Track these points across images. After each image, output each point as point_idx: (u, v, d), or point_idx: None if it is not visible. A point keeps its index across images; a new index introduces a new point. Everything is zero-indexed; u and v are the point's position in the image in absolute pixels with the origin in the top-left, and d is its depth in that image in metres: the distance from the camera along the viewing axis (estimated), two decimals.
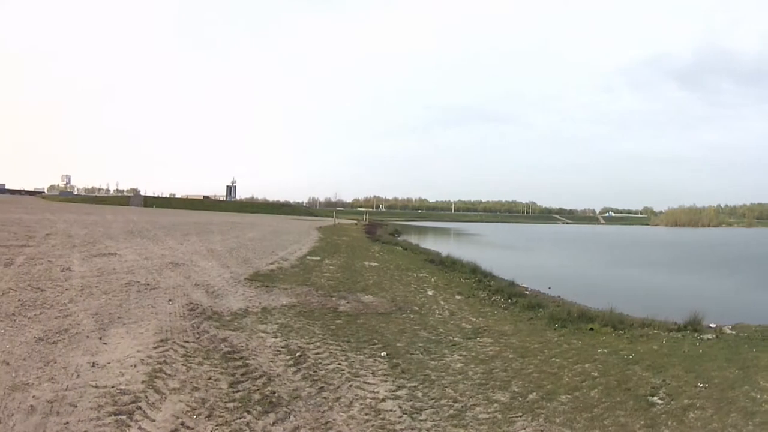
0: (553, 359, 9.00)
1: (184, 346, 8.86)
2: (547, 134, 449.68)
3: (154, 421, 5.91)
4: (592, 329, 11.38)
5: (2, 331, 8.89)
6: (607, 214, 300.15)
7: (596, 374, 8.06)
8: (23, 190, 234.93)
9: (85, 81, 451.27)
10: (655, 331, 11.37)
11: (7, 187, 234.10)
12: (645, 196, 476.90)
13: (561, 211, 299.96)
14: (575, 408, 6.67)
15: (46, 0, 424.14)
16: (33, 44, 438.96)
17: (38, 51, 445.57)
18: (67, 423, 5.68)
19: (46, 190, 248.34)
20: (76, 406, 6.11)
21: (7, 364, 7.34)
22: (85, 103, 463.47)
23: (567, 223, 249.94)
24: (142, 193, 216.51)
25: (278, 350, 8.98)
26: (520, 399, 7.00)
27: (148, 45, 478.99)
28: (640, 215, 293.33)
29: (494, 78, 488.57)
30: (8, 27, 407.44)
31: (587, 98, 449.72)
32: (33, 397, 6.28)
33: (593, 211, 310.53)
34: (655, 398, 7.01)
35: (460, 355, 9.24)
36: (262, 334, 9.99)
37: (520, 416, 6.40)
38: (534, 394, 7.20)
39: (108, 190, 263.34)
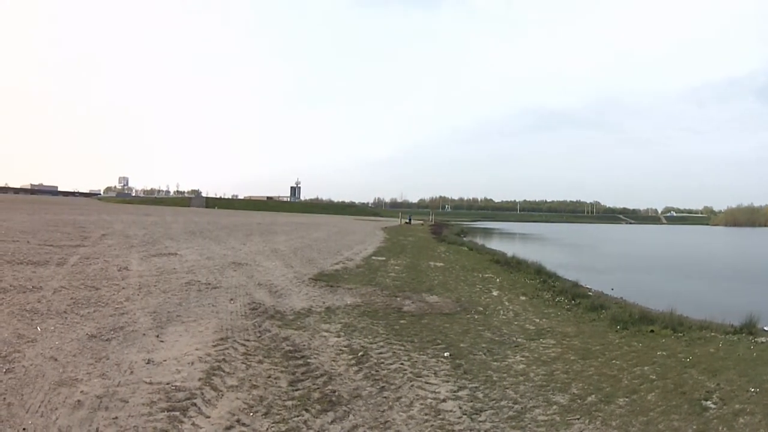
0: (614, 361, 9.22)
1: (244, 345, 9.16)
2: (628, 138, 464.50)
3: (208, 417, 6.09)
4: (652, 331, 11.69)
5: (52, 328, 9.33)
6: (668, 214, 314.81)
7: (654, 377, 8.25)
8: (77, 192, 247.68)
9: (144, 83, 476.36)
10: (712, 334, 11.63)
11: (59, 189, 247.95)
12: (705, 194, 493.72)
13: (624, 211, 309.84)
14: (632, 411, 6.83)
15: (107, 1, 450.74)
16: (93, 47, 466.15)
17: (98, 53, 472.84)
18: (116, 418, 5.89)
19: (102, 192, 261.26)
20: (127, 402, 6.35)
21: (55, 360, 7.69)
22: (144, 104, 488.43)
23: (630, 223, 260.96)
24: (203, 195, 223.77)
25: (341, 349, 9.23)
26: (579, 401, 7.20)
27: (209, 46, 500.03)
28: (700, 215, 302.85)
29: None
30: (68, 32, 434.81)
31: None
32: (81, 392, 6.55)
33: (655, 211, 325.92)
34: (709, 402, 7.18)
35: (523, 357, 9.43)
36: (325, 334, 10.30)
37: (578, 419, 6.56)
38: (593, 396, 7.40)
39: (168, 192, 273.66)
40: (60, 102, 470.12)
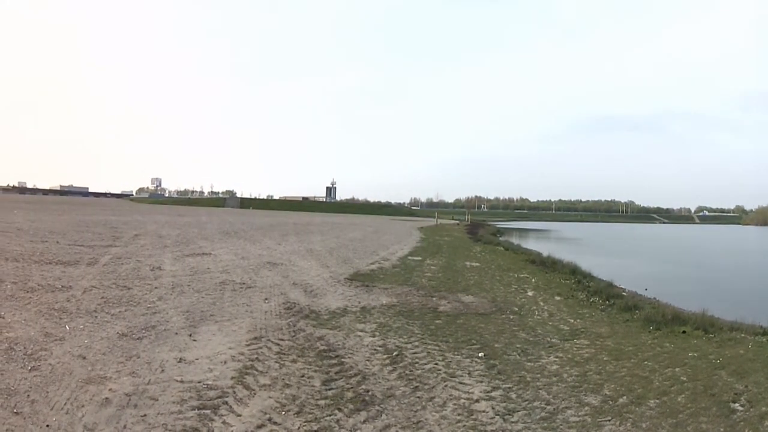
0: (646, 362, 9.28)
1: (278, 344, 9.23)
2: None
3: (239, 416, 6.11)
4: (684, 332, 11.83)
5: (81, 326, 9.47)
6: (701, 213, 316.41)
7: (685, 379, 8.32)
8: (108, 193, 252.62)
9: (178, 85, 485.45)
10: (743, 335, 11.67)
11: (90, 190, 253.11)
12: (737, 193, 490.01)
13: (658, 211, 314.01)
14: (662, 413, 6.88)
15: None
16: (126, 49, 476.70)
17: (129, 55, 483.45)
18: (145, 416, 5.92)
19: (134, 193, 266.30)
20: (156, 400, 6.39)
21: (84, 358, 7.80)
22: (177, 105, 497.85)
23: (664, 222, 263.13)
24: (238, 195, 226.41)
25: (375, 349, 9.38)
26: (610, 403, 7.26)
27: (243, 50, 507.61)
28: (732, 214, 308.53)
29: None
30: (102, 34, 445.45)
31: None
32: (109, 390, 6.62)
33: (688, 210, 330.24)
34: (737, 405, 7.22)
35: (557, 357, 9.52)
36: (360, 333, 10.46)
37: (609, 420, 6.63)
38: (624, 397, 7.47)
39: (202, 192, 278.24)
40: (91, 103, 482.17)
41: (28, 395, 6.27)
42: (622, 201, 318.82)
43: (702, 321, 12.61)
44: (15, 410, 5.85)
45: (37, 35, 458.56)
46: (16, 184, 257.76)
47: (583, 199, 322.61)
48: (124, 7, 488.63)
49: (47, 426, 5.53)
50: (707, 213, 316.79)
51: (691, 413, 6.84)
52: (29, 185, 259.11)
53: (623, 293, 18.54)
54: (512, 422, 6.43)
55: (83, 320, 9.93)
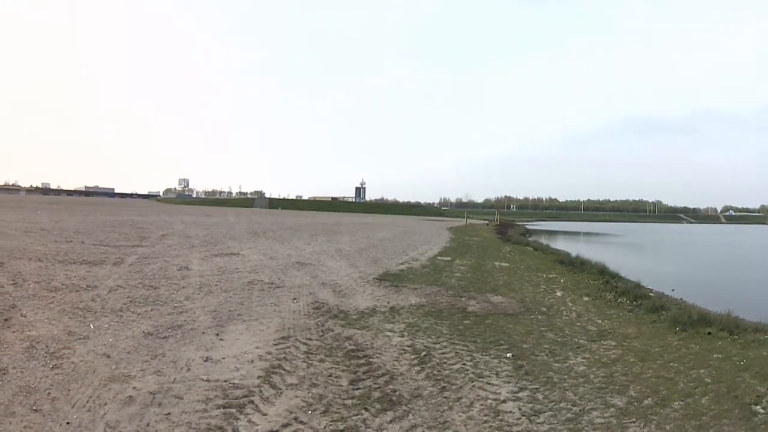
0: (671, 364, 9.35)
1: (306, 344, 9.27)
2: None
3: (265, 415, 6.14)
4: (709, 333, 11.88)
5: (106, 325, 9.56)
6: (727, 213, 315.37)
7: (709, 380, 8.36)
8: (135, 194, 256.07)
9: (206, 86, 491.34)
10: (766, 337, 11.65)
11: (116, 191, 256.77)
12: (763, 191, 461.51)
13: (685, 210, 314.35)
14: (686, 415, 6.93)
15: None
16: (155, 48, 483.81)
17: (157, 56, 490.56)
18: (169, 414, 5.96)
19: (161, 194, 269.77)
20: (181, 399, 6.43)
21: (108, 356, 7.87)
22: (205, 106, 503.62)
23: (691, 222, 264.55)
24: (266, 195, 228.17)
25: (404, 349, 9.45)
26: (635, 404, 7.32)
27: (275, 49, 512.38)
28: (757, 214, 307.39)
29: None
30: (129, 34, 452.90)
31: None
32: (133, 388, 6.67)
33: (714, 210, 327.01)
34: (758, 407, 7.25)
35: (584, 358, 9.59)
36: (389, 333, 10.54)
37: (634, 422, 6.69)
38: (649, 399, 7.51)
39: (230, 193, 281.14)
40: (117, 103, 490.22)
41: (49, 393, 6.32)
42: (650, 201, 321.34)
43: (727, 322, 12.68)
44: (34, 408, 5.89)
45: (63, 36, 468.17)
46: (39, 185, 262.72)
47: (611, 199, 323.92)
48: (158, 5, 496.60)
49: (67, 423, 5.56)
50: (733, 213, 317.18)
51: (714, 415, 6.90)
52: (53, 186, 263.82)
53: (650, 294, 18.67)
54: (538, 423, 6.50)
55: (108, 319, 10.02)
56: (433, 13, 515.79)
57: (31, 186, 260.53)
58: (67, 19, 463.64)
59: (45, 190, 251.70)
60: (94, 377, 6.96)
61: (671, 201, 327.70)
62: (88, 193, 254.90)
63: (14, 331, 8.76)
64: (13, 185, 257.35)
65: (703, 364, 9.21)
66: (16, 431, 5.38)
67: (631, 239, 76.85)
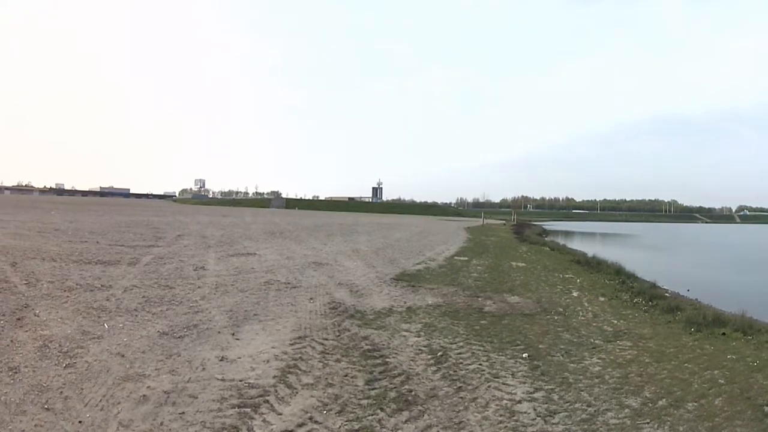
0: (686, 365, 9.40)
1: (322, 344, 9.30)
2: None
3: (280, 414, 6.15)
4: (723, 334, 11.96)
5: (120, 325, 9.61)
6: (742, 213, 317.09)
7: (723, 381, 8.42)
8: (150, 194, 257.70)
9: (221, 87, 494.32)
10: None
11: (131, 192, 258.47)
12: None
13: (700, 210, 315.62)
14: (699, 416, 6.98)
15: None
16: (171, 49, 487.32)
17: (172, 57, 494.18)
18: (183, 413, 5.97)
19: (177, 194, 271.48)
20: (196, 398, 6.45)
21: (122, 356, 7.90)
22: (220, 107, 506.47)
23: (706, 222, 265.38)
24: (283, 196, 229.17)
25: (420, 349, 9.47)
26: (650, 405, 7.36)
27: (290, 50, 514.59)
28: None
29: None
30: (146, 36, 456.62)
31: None
32: (147, 387, 6.70)
33: (729, 210, 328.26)
34: None
35: (599, 358, 9.62)
36: (405, 333, 10.57)
37: (648, 423, 6.73)
38: (664, 400, 7.56)
39: (246, 193, 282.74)
40: (132, 104, 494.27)
41: (61, 392, 6.34)
42: (666, 200, 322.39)
43: (741, 323, 12.77)
44: (46, 406, 5.91)
45: (79, 36, 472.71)
46: (53, 186, 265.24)
47: (627, 198, 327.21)
48: (179, 6, 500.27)
49: (80, 422, 5.57)
50: (747, 212, 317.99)
51: (726, 417, 6.95)
52: (67, 187, 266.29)
53: (666, 294, 18.88)
54: (553, 424, 6.53)
55: (123, 319, 10.07)
56: (453, 13, 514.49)
57: (44, 186, 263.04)
58: (84, 20, 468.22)
59: (59, 191, 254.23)
60: (107, 376, 6.98)
61: (686, 200, 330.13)
62: (103, 193, 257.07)
63: (27, 331, 8.80)
64: (26, 186, 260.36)
65: (717, 365, 9.30)
66: (27, 429, 5.39)
67: (649, 241, 76.05)
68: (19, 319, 9.48)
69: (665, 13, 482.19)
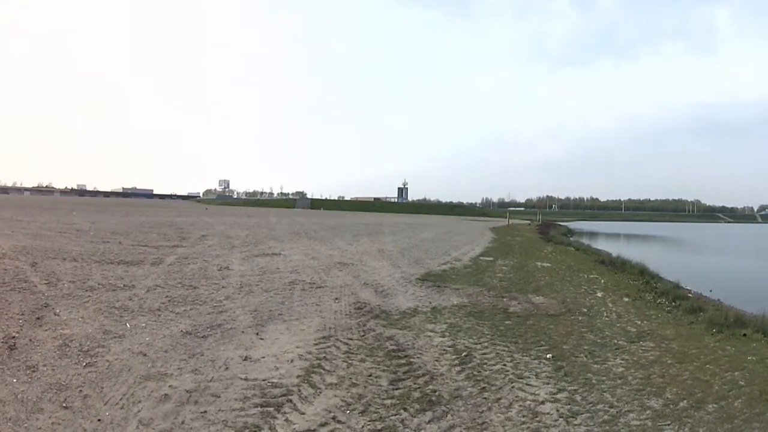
0: (707, 366, 9.45)
1: (347, 344, 9.31)
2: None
3: (303, 414, 6.15)
4: (744, 335, 11.99)
5: (143, 324, 9.68)
6: (764, 212, 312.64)
7: (743, 383, 8.45)
8: (174, 195, 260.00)
9: (245, 88, 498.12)
10: None
11: (155, 192, 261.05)
12: None
13: (723, 209, 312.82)
14: (719, 418, 7.00)
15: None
16: (195, 50, 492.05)
17: (195, 58, 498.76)
18: (205, 412, 5.98)
19: (201, 195, 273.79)
20: (218, 397, 6.46)
21: (144, 355, 7.95)
22: (245, 107, 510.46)
23: (728, 221, 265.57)
24: (308, 196, 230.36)
25: (445, 349, 9.50)
26: (671, 406, 7.40)
27: (311, 48, 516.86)
28: None
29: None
30: (168, 37, 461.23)
31: None
32: (169, 386, 6.73)
33: (751, 209, 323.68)
34: None
35: (622, 359, 9.64)
36: (430, 334, 10.61)
37: (669, 424, 6.75)
38: (685, 401, 7.60)
39: (271, 194, 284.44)
40: (155, 105, 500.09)
41: (81, 390, 6.38)
42: (689, 200, 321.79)
43: (762, 324, 12.79)
44: (64, 404, 5.94)
45: (102, 36, 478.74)
46: (75, 187, 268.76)
47: (651, 198, 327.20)
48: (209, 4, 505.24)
49: (98, 420, 5.59)
50: None
51: (746, 419, 6.98)
52: (89, 188, 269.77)
53: (689, 294, 18.95)
54: (575, 425, 6.56)
55: (145, 318, 10.14)
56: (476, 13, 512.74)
57: (65, 187, 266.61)
58: (106, 19, 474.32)
59: (81, 192, 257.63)
60: (129, 375, 7.01)
61: (707, 200, 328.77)
62: (126, 194, 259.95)
63: (46, 330, 8.87)
64: (46, 187, 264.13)
65: (737, 367, 9.35)
66: (43, 427, 5.41)
67: (701, 242, 75.16)
68: (38, 318, 9.56)
69: (707, 19, 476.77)
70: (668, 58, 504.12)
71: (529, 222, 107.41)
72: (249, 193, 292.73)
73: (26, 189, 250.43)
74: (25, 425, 5.43)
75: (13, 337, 8.36)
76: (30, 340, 8.28)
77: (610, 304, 15.25)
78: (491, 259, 26.70)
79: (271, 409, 6.22)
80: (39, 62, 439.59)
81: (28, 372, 6.91)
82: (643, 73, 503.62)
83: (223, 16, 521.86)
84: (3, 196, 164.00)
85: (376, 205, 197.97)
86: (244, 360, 8.04)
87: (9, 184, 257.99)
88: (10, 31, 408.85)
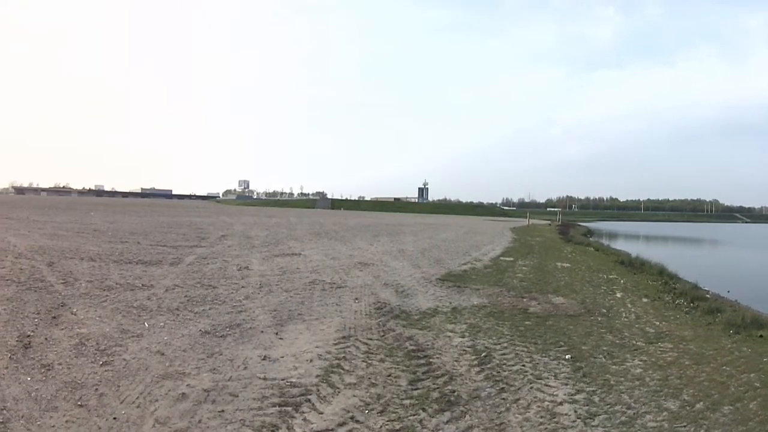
0: (724, 367, 9.45)
1: (366, 344, 9.32)
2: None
3: (321, 413, 6.14)
4: (761, 336, 12.00)
5: (161, 324, 9.72)
6: None
7: (758, 385, 8.45)
8: (194, 195, 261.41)
9: (265, 89, 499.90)
10: None
11: (174, 193, 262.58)
12: None
13: (740, 209, 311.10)
14: (734, 420, 7.01)
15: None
16: (219, 50, 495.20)
17: (214, 59, 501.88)
18: (223, 411, 5.98)
19: (220, 195, 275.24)
20: (236, 396, 6.47)
21: (162, 354, 7.99)
22: (265, 107, 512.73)
23: (746, 222, 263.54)
24: (328, 196, 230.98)
25: (464, 350, 9.53)
26: (687, 408, 7.39)
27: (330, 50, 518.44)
28: None
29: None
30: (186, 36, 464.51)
31: None
32: (187, 385, 6.74)
33: None
34: None
35: (641, 360, 9.62)
36: (450, 334, 10.63)
37: (684, 426, 6.76)
38: (701, 403, 7.60)
39: (291, 194, 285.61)
40: (174, 105, 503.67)
41: (96, 389, 6.40)
42: (707, 200, 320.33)
43: None
44: (79, 403, 5.97)
45: (123, 37, 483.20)
46: (93, 188, 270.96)
47: (670, 198, 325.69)
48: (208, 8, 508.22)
49: (114, 418, 5.60)
50: None
51: (760, 420, 6.99)
52: (107, 188, 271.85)
53: (707, 295, 18.95)
54: (593, 426, 6.57)
55: (164, 318, 10.19)
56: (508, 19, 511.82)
57: (83, 188, 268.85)
58: (129, 18, 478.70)
59: (98, 192, 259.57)
60: (146, 374, 7.03)
61: (726, 200, 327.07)
62: (145, 194, 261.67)
63: (62, 329, 8.94)
64: (63, 187, 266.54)
65: (753, 368, 9.35)
66: (57, 425, 5.43)
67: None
68: (54, 317, 9.64)
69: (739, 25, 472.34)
70: (701, 62, 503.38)
71: (549, 222, 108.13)
72: (269, 193, 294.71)
73: (43, 189, 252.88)
74: (38, 423, 5.45)
75: (28, 335, 8.42)
76: (45, 338, 8.34)
77: (629, 305, 15.27)
78: (511, 259, 26.90)
79: (290, 408, 6.23)
80: (54, 62, 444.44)
81: (42, 370, 6.95)
82: (675, 75, 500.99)
83: (249, 14, 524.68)
84: (19, 196, 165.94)
85: (397, 206, 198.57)
86: (263, 359, 8.06)
87: (25, 185, 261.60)
88: (14, 32, 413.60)
